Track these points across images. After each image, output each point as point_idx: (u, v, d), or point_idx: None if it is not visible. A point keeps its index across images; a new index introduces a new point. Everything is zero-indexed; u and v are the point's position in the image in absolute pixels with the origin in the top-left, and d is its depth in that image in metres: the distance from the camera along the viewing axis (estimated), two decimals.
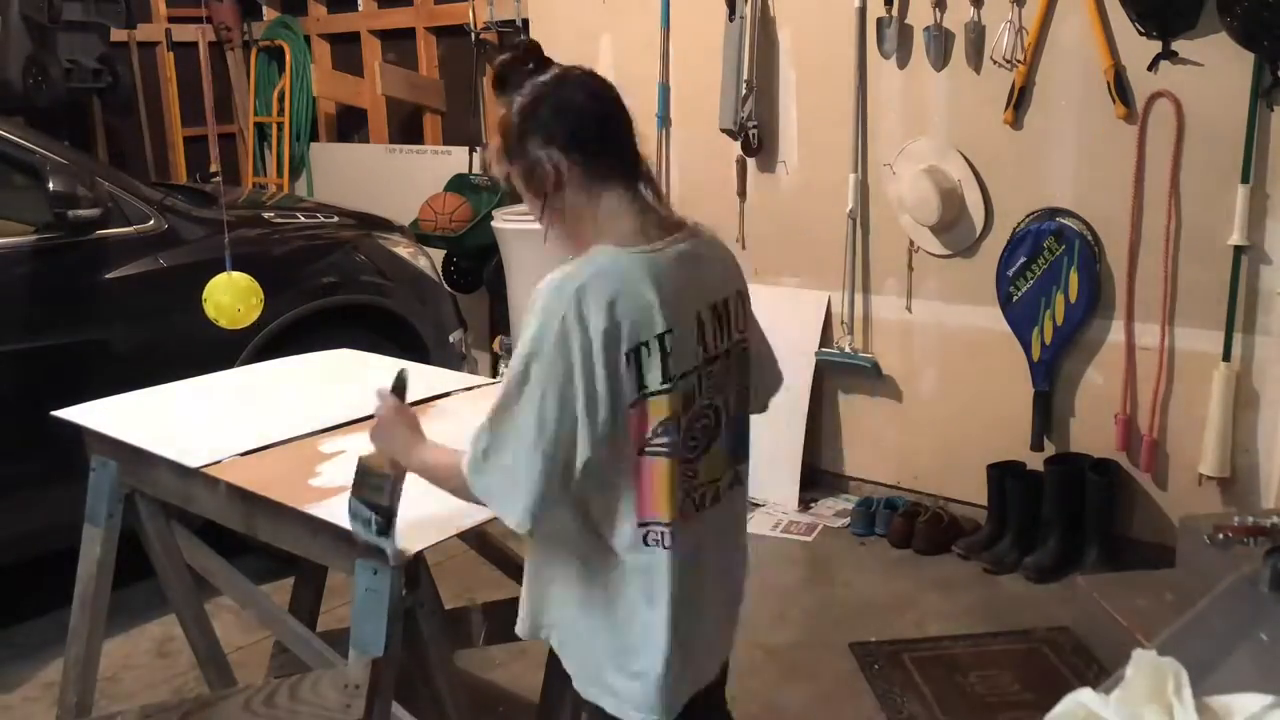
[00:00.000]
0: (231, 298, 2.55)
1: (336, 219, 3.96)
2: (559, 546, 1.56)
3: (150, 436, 2.22)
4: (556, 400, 1.41)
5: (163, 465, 2.19)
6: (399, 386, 1.67)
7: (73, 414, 2.36)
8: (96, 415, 2.35)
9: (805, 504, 4.03)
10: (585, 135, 1.50)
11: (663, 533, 1.51)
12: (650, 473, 1.49)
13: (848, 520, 3.88)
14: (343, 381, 2.62)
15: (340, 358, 2.84)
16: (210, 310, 2.56)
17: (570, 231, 1.55)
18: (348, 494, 1.71)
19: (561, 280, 1.44)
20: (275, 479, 1.97)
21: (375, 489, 1.65)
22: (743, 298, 1.65)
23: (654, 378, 1.46)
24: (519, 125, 1.50)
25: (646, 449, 1.48)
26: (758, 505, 4.04)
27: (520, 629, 1.66)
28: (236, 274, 2.57)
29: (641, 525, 1.51)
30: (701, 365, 1.54)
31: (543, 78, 1.52)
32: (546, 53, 1.56)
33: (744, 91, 3.99)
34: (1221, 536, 2.91)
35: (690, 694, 1.60)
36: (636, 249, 1.49)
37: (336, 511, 1.78)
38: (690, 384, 1.52)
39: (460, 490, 1.51)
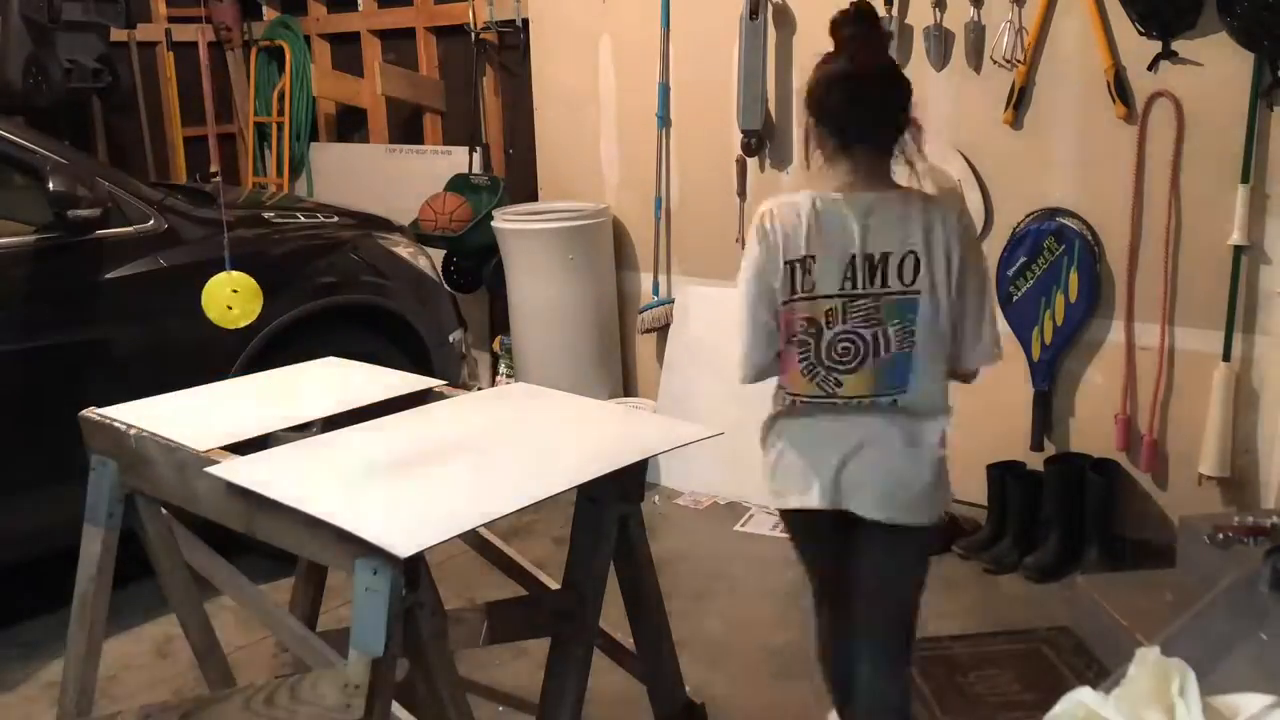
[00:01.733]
0: (230, 297, 2.55)
1: (336, 219, 3.96)
2: None
3: (153, 426, 2.22)
4: (752, 291, 2.03)
5: (163, 464, 2.19)
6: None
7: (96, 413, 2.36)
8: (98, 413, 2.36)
9: None
10: (832, 117, 2.00)
11: (793, 401, 2.09)
12: (789, 359, 2.05)
13: None
14: (339, 383, 2.63)
15: (329, 364, 2.85)
16: (208, 310, 2.56)
17: (814, 176, 2.06)
18: (347, 494, 1.72)
19: (767, 202, 2.04)
20: (278, 476, 1.97)
21: None
22: (917, 258, 1.97)
23: (799, 289, 1.99)
24: (806, 97, 2.05)
25: (790, 340, 2.03)
26: (748, 508, 4.05)
27: None
28: (235, 273, 2.56)
29: (781, 389, 2.11)
30: (845, 296, 1.99)
31: (829, 65, 2.00)
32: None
33: (766, 92, 3.99)
34: (1221, 536, 2.90)
35: (806, 503, 2.11)
36: (824, 193, 2.00)
37: (338, 510, 1.78)
38: (830, 305, 1.99)
39: None
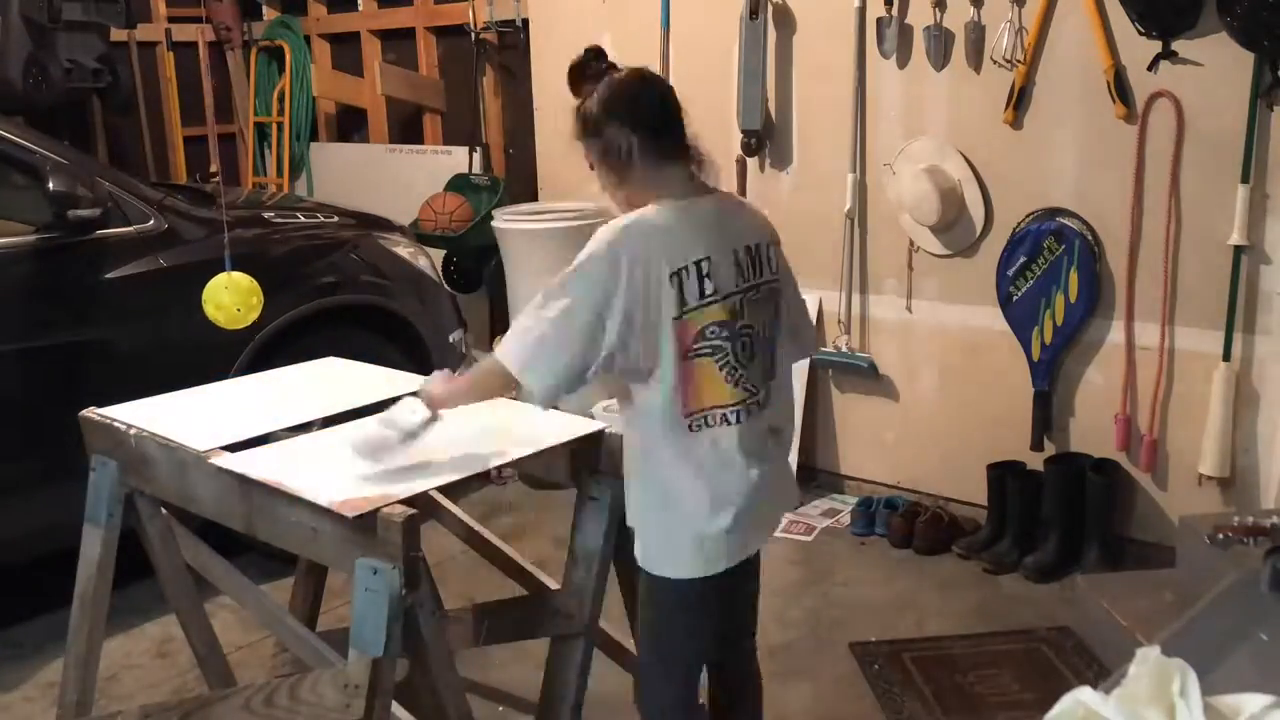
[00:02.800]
0: (231, 297, 2.55)
1: (336, 219, 3.96)
2: (628, 443, 1.94)
3: (153, 426, 2.23)
4: (589, 313, 1.76)
5: (163, 464, 2.19)
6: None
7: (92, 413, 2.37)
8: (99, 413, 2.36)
9: (803, 504, 4.03)
10: (651, 121, 1.86)
11: (707, 416, 1.85)
12: (695, 373, 1.83)
13: (847, 520, 3.88)
14: (337, 382, 2.64)
15: (328, 364, 2.86)
16: (210, 310, 2.56)
17: (635, 196, 1.88)
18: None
19: (619, 222, 1.82)
20: (277, 469, 1.97)
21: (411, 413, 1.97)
22: (774, 246, 1.98)
23: (693, 296, 1.80)
24: (599, 110, 1.85)
25: (690, 354, 1.82)
26: None
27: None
28: (236, 274, 2.57)
29: (688, 416, 1.84)
30: (743, 291, 1.88)
31: (619, 75, 1.87)
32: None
33: (766, 92, 3.99)
34: (1221, 536, 2.91)
35: (728, 560, 1.91)
36: (678, 202, 1.85)
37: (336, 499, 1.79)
38: (734, 303, 1.86)
39: (497, 380, 1.88)
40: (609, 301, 1.76)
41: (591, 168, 1.93)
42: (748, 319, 1.88)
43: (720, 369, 1.84)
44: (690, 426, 1.84)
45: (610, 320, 1.76)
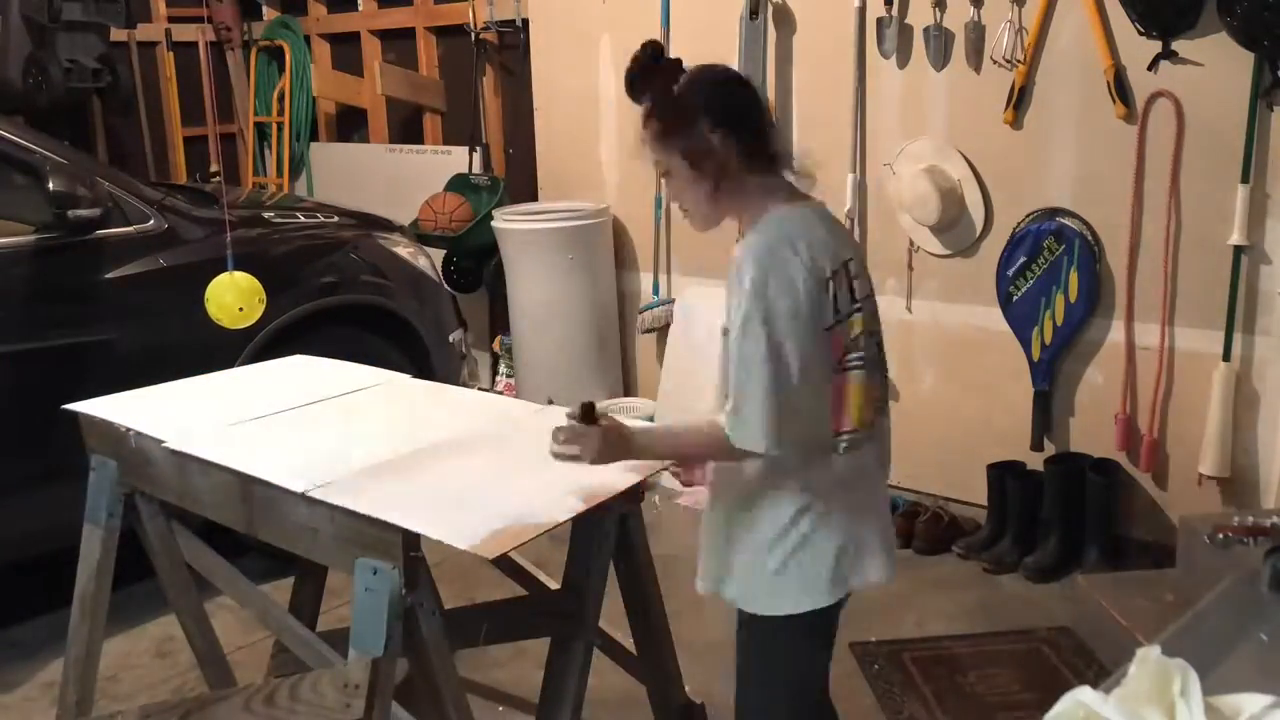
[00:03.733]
0: (234, 297, 2.55)
1: (336, 219, 3.96)
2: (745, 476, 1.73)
3: (145, 423, 2.23)
4: (790, 339, 1.61)
5: (163, 464, 2.19)
6: (587, 414, 1.68)
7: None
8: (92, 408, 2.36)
9: None
10: (752, 123, 1.70)
11: (853, 439, 1.71)
12: (845, 389, 1.69)
13: None
14: (306, 378, 2.65)
15: (299, 361, 2.86)
16: (212, 310, 2.56)
17: (732, 206, 1.74)
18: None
19: (767, 239, 1.66)
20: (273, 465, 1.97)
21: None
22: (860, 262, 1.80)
23: (845, 303, 1.68)
24: (692, 110, 1.66)
25: (841, 367, 1.69)
26: None
27: (701, 586, 1.90)
28: (238, 274, 2.57)
29: (836, 435, 1.70)
30: (865, 300, 1.75)
31: (703, 72, 1.69)
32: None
33: (766, 92, 3.99)
34: (1221, 536, 2.91)
35: (849, 590, 1.78)
36: (802, 206, 1.72)
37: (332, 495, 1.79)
38: (866, 312, 1.74)
39: (722, 454, 1.69)
40: (792, 316, 1.61)
41: (663, 176, 1.75)
42: (875, 329, 1.76)
43: (867, 385, 1.71)
44: (837, 448, 1.71)
45: (793, 338, 1.61)
